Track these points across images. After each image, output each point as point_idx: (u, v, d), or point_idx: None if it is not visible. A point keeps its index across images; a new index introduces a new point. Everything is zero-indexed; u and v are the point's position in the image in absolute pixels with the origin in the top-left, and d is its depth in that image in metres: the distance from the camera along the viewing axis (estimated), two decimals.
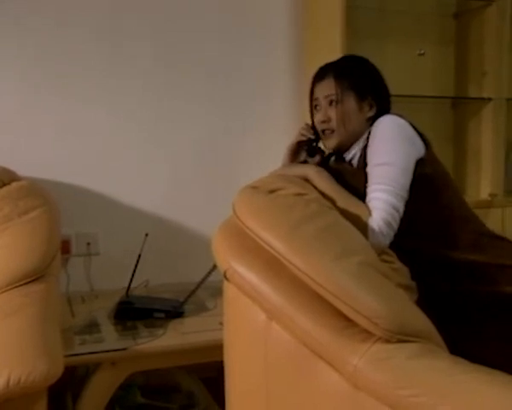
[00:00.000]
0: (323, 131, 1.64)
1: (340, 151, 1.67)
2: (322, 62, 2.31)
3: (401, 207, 1.45)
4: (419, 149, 1.52)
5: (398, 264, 1.43)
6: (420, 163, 1.50)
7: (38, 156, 2.20)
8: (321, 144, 1.71)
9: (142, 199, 2.35)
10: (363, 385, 1.02)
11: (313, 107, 1.68)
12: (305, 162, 1.72)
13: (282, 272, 1.16)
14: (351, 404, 1.04)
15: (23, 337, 1.39)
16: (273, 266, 1.18)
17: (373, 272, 1.16)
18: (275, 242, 1.18)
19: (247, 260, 1.22)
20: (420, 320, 1.13)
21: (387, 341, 1.04)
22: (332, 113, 1.61)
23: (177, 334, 1.81)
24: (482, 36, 2.53)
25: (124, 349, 1.68)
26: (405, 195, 1.46)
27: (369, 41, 2.51)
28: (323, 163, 1.70)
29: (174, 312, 1.93)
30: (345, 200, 1.47)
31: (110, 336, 1.78)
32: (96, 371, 1.69)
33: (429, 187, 1.52)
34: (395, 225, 1.44)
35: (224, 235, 1.31)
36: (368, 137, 1.57)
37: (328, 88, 1.62)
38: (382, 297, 1.08)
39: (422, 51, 2.54)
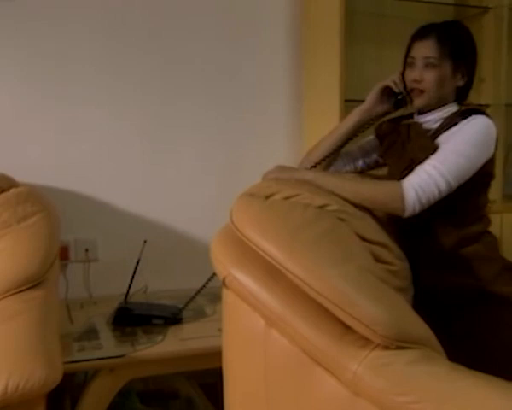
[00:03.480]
0: (413, 89, 1.65)
1: (420, 111, 1.69)
2: (321, 67, 2.34)
3: (444, 192, 1.50)
4: (491, 153, 1.57)
5: (397, 264, 1.45)
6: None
7: (37, 162, 2.19)
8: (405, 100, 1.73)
9: (141, 205, 2.34)
10: (363, 391, 1.02)
11: (407, 63, 1.69)
12: (385, 113, 1.74)
13: (281, 279, 1.16)
14: None
15: (22, 344, 1.38)
16: (272, 272, 1.18)
17: (371, 277, 1.16)
18: (273, 250, 1.18)
19: (245, 267, 1.22)
20: (418, 327, 1.13)
21: (386, 347, 1.04)
22: (427, 75, 1.62)
23: (176, 340, 1.81)
24: (480, 43, 2.52)
25: (122, 356, 1.68)
26: (454, 185, 1.51)
27: (367, 46, 2.52)
28: (401, 118, 1.74)
29: (173, 318, 1.93)
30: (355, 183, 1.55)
31: (108, 343, 1.78)
32: (95, 378, 1.69)
33: (478, 182, 1.58)
34: (430, 200, 1.49)
35: (223, 241, 1.30)
36: (453, 116, 1.60)
37: (427, 49, 1.62)
38: (381, 304, 1.08)
39: None
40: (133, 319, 1.93)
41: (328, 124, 2.26)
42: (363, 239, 1.36)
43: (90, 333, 1.85)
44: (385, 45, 2.55)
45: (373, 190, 1.54)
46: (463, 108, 1.63)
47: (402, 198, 1.47)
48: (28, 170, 2.05)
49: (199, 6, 2.36)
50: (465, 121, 1.57)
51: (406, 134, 1.67)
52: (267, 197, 1.35)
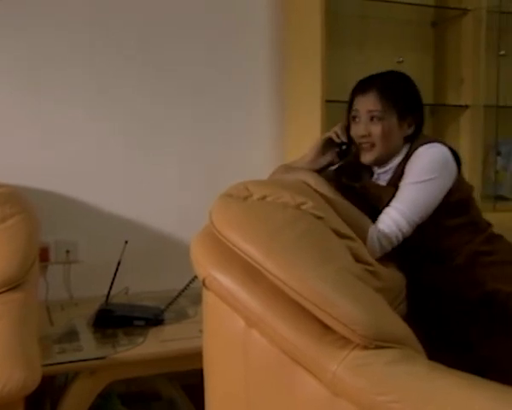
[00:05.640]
0: (361, 144, 1.65)
1: (374, 165, 1.70)
2: (303, 68, 2.35)
3: (408, 231, 1.54)
4: (452, 179, 1.58)
5: (376, 265, 1.47)
6: (448, 192, 1.57)
7: (17, 163, 2.17)
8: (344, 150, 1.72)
9: (122, 206, 2.33)
10: (342, 392, 1.02)
11: (351, 117, 1.69)
12: (330, 164, 1.73)
13: (261, 280, 1.16)
14: None
15: (0, 346, 1.37)
16: (252, 272, 1.18)
17: (351, 278, 1.17)
18: (252, 251, 1.18)
19: (225, 268, 1.22)
20: (398, 326, 1.13)
21: (366, 347, 1.04)
22: (374, 129, 1.62)
23: (157, 342, 1.80)
24: (459, 44, 2.57)
25: (103, 358, 1.67)
26: (419, 221, 1.54)
27: (349, 47, 2.53)
28: (349, 168, 1.75)
29: (154, 319, 1.92)
30: (345, 205, 1.56)
31: (89, 345, 1.77)
32: (75, 380, 1.68)
33: (451, 211, 1.59)
34: (395, 243, 1.54)
35: (203, 242, 1.30)
36: (407, 156, 1.61)
37: (370, 103, 1.62)
38: (360, 304, 1.08)
39: (401, 59, 2.57)
40: (114, 320, 1.91)
41: (310, 124, 2.27)
42: (341, 235, 1.38)
43: (71, 335, 1.84)
44: (367, 46, 2.57)
45: (352, 219, 1.54)
46: (414, 146, 1.62)
47: (366, 241, 1.52)
48: (9, 171, 2.03)
49: (182, 10, 2.36)
50: (416, 152, 1.58)
51: (376, 193, 1.67)
52: (245, 198, 1.35)
